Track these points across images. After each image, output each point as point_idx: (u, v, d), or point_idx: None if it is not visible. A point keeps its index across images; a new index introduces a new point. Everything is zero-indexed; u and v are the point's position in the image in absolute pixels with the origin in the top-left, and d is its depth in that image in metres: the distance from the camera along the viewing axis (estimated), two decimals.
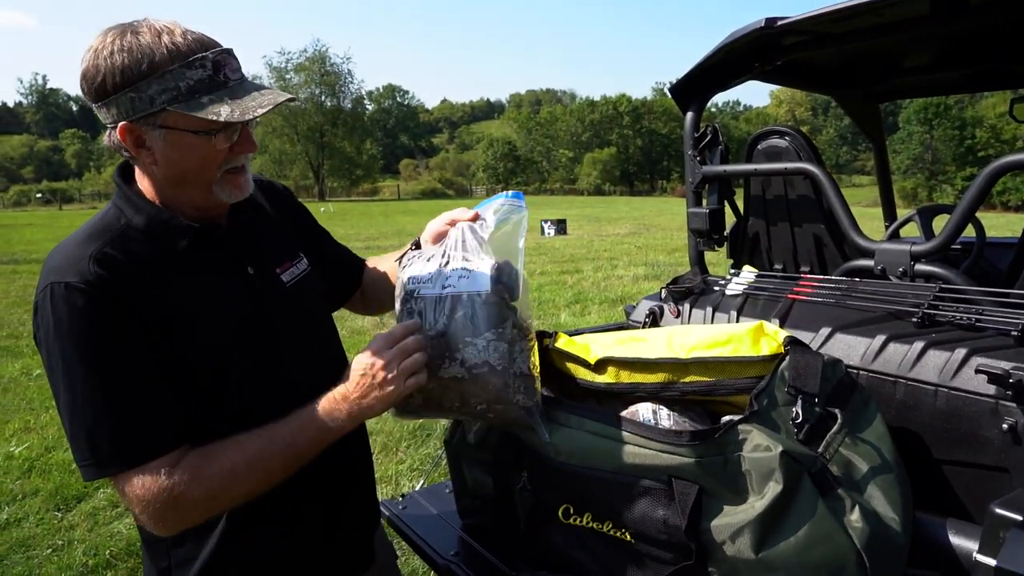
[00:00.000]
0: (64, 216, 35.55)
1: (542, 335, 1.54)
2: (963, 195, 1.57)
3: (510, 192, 1.22)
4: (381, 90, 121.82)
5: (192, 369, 1.06)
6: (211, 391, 1.08)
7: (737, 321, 1.82)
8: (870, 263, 1.74)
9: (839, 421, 1.14)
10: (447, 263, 1.17)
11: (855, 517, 1.06)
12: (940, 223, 1.85)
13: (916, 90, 2.82)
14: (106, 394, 0.99)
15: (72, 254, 1.03)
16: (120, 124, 1.02)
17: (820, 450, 1.12)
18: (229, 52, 1.06)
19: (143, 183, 1.12)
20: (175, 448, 1.02)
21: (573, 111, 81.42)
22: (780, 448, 1.06)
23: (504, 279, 1.15)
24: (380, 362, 1.07)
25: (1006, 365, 1.19)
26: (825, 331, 1.55)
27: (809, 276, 1.85)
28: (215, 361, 1.08)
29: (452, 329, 1.12)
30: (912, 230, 2.60)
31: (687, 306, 1.98)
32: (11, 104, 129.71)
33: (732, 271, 2.05)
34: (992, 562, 0.95)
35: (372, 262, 1.55)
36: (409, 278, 1.20)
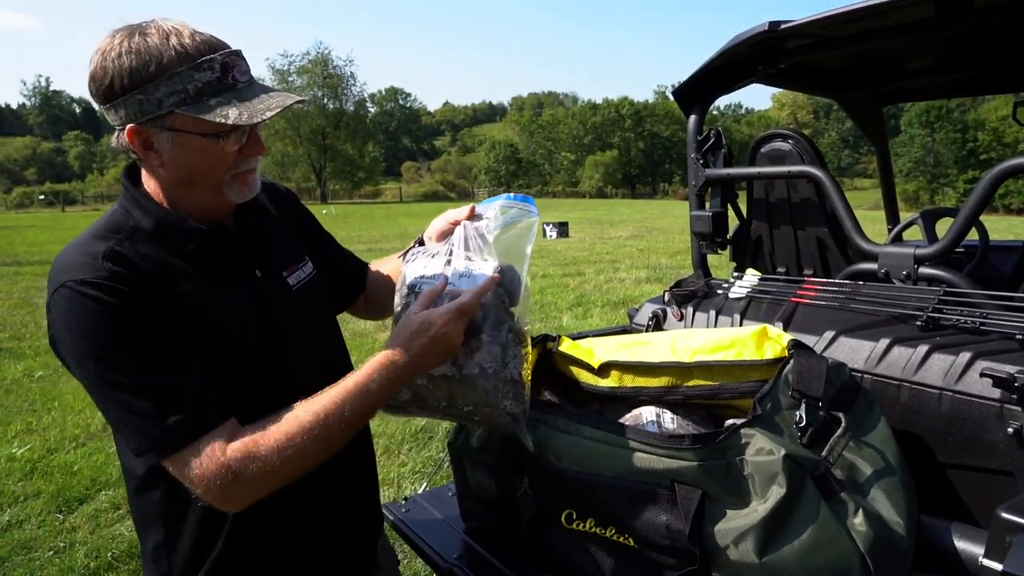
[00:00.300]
0: (67, 218, 35.62)
1: (546, 338, 1.54)
2: (966, 199, 1.56)
3: (515, 194, 1.22)
4: (383, 93, 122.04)
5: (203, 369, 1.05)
6: (228, 395, 1.07)
7: (741, 324, 1.82)
8: (874, 266, 1.74)
9: (843, 425, 1.14)
10: (449, 261, 1.17)
11: (859, 521, 1.05)
12: (943, 226, 1.85)
13: (919, 93, 2.82)
14: (140, 381, 0.98)
15: (82, 253, 1.02)
16: (128, 126, 1.02)
17: (824, 454, 1.12)
18: (237, 54, 1.06)
19: (150, 184, 1.12)
20: (222, 422, 1.01)
21: (575, 114, 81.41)
22: (783, 452, 1.06)
23: (505, 283, 1.14)
24: (440, 322, 1.07)
25: (1011, 369, 1.19)
26: (829, 334, 1.55)
27: (812, 279, 1.84)
28: (220, 364, 1.07)
29: None
30: (915, 233, 2.60)
31: (690, 309, 1.98)
32: (14, 106, 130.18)
33: (735, 274, 2.05)
34: (998, 567, 0.95)
35: (375, 265, 1.54)
36: (411, 272, 1.20)
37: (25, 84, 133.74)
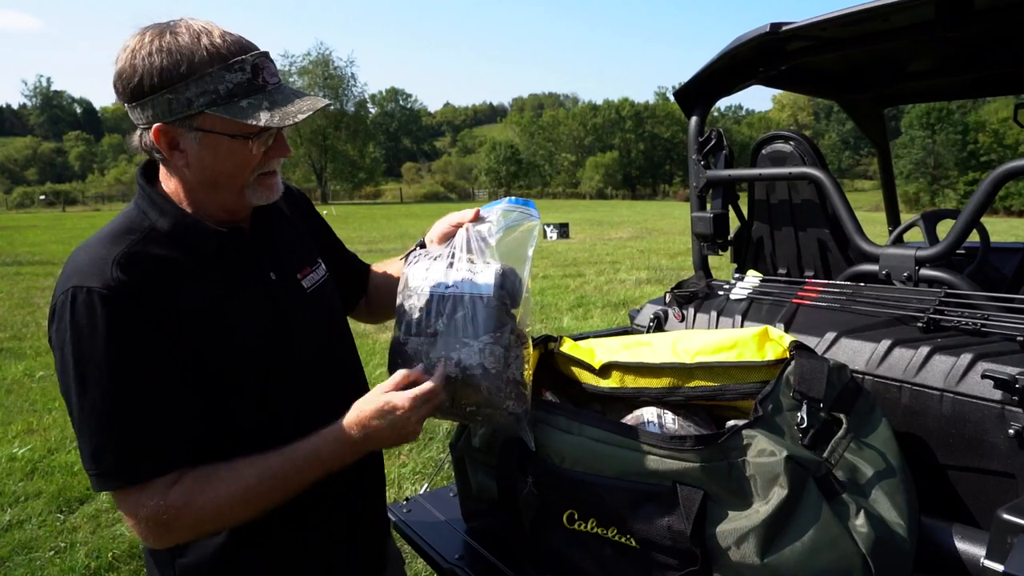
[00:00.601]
0: (67, 218, 35.64)
1: (547, 339, 1.54)
2: (967, 200, 1.57)
3: (516, 199, 1.22)
4: (384, 93, 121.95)
5: (210, 375, 1.05)
6: (229, 397, 1.08)
7: (742, 326, 1.82)
8: (875, 268, 1.74)
9: (844, 426, 1.14)
10: (452, 264, 1.17)
11: (860, 522, 1.05)
12: (944, 228, 1.85)
13: (920, 95, 2.82)
14: (115, 409, 0.98)
15: (96, 256, 1.02)
16: (155, 125, 1.01)
17: (825, 455, 1.12)
18: (266, 55, 1.05)
19: (169, 184, 1.11)
20: (176, 469, 1.02)
21: (575, 115, 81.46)
22: (785, 453, 1.06)
23: (507, 285, 1.15)
24: (402, 408, 1.07)
25: (1012, 370, 1.19)
26: (830, 336, 1.55)
27: (814, 281, 1.85)
28: (233, 367, 1.07)
29: (450, 329, 1.13)
30: (916, 235, 2.60)
31: (691, 310, 1.98)
32: (15, 106, 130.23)
33: (736, 275, 2.05)
34: (1000, 567, 0.95)
35: (376, 268, 1.54)
36: (413, 275, 1.20)
37: (26, 84, 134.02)
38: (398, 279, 1.24)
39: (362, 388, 1.35)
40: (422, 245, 1.30)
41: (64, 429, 4.51)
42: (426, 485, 1.84)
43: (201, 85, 0.98)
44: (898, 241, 2.60)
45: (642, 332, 2.04)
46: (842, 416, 1.16)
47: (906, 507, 1.12)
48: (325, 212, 31.22)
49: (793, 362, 1.21)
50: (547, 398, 1.53)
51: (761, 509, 1.06)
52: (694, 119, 2.16)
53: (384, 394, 1.09)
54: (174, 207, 1.09)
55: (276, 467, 1.05)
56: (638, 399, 1.40)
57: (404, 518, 1.68)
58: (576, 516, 1.25)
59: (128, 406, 0.98)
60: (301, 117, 1.01)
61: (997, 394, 1.22)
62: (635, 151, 75.61)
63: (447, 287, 1.15)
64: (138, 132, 1.05)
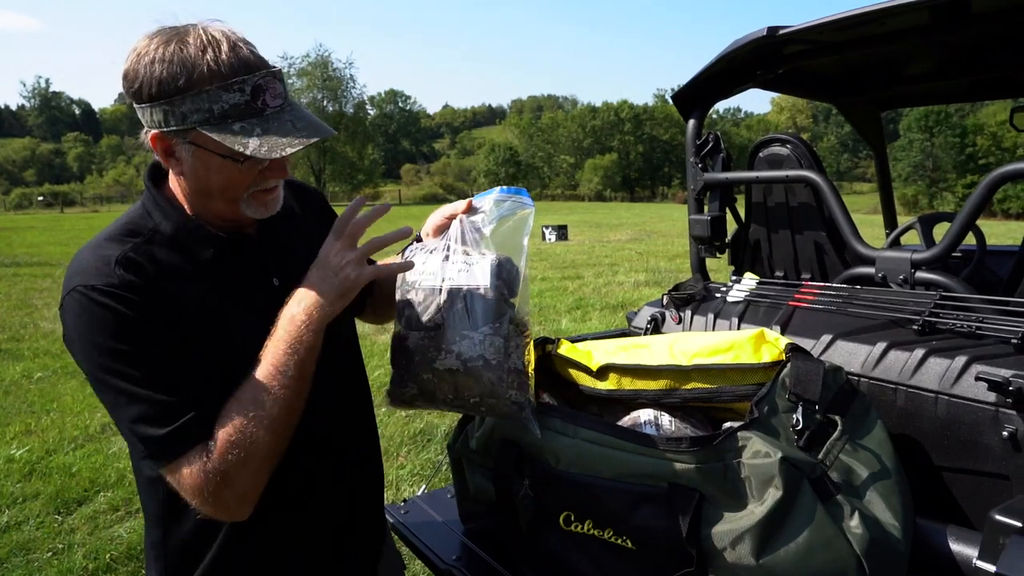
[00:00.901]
0: (66, 219, 35.58)
1: (544, 341, 1.55)
2: (964, 203, 1.57)
3: (509, 187, 1.23)
4: (383, 95, 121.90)
5: (203, 379, 1.05)
6: (224, 402, 1.07)
7: (738, 328, 1.83)
8: (871, 270, 1.75)
9: (839, 428, 1.15)
10: (447, 256, 1.17)
11: (855, 523, 1.06)
12: (941, 231, 1.86)
13: (917, 99, 2.83)
14: (143, 390, 0.98)
15: (98, 256, 1.02)
16: (151, 132, 1.02)
17: (820, 457, 1.13)
18: (274, 75, 1.02)
19: (174, 186, 1.12)
20: (209, 430, 1.01)
21: (574, 117, 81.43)
22: (780, 454, 1.06)
23: (504, 275, 1.15)
24: (334, 249, 1.07)
25: (1006, 373, 1.20)
26: (826, 338, 1.55)
27: (810, 283, 1.85)
28: (228, 372, 1.07)
29: (450, 321, 1.13)
30: (913, 238, 2.61)
31: (689, 313, 1.98)
32: (13, 107, 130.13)
33: (733, 278, 2.06)
34: (991, 568, 0.96)
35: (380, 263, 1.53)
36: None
37: (24, 85, 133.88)
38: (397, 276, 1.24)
39: (365, 393, 1.35)
40: (418, 239, 1.30)
41: (62, 430, 4.50)
42: (424, 486, 1.85)
43: (197, 102, 0.98)
44: (895, 244, 2.62)
45: (639, 334, 2.05)
46: (837, 418, 1.17)
47: (901, 508, 1.12)
48: None
49: (789, 364, 1.22)
50: (544, 400, 1.53)
51: (756, 510, 1.06)
52: (692, 122, 2.17)
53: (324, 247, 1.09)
54: (178, 211, 1.09)
55: (262, 365, 1.03)
56: (635, 401, 1.40)
57: (402, 519, 1.68)
58: (573, 518, 1.25)
59: (150, 385, 0.99)
60: (290, 151, 1.00)
61: (991, 396, 1.23)
62: (634, 153, 75.62)
63: (444, 280, 1.15)
64: (144, 130, 1.05)
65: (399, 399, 1.20)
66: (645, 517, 1.15)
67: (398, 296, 1.21)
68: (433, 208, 1.32)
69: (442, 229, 1.24)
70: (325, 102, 62.66)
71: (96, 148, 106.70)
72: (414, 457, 4.01)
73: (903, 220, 2.75)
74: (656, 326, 2.05)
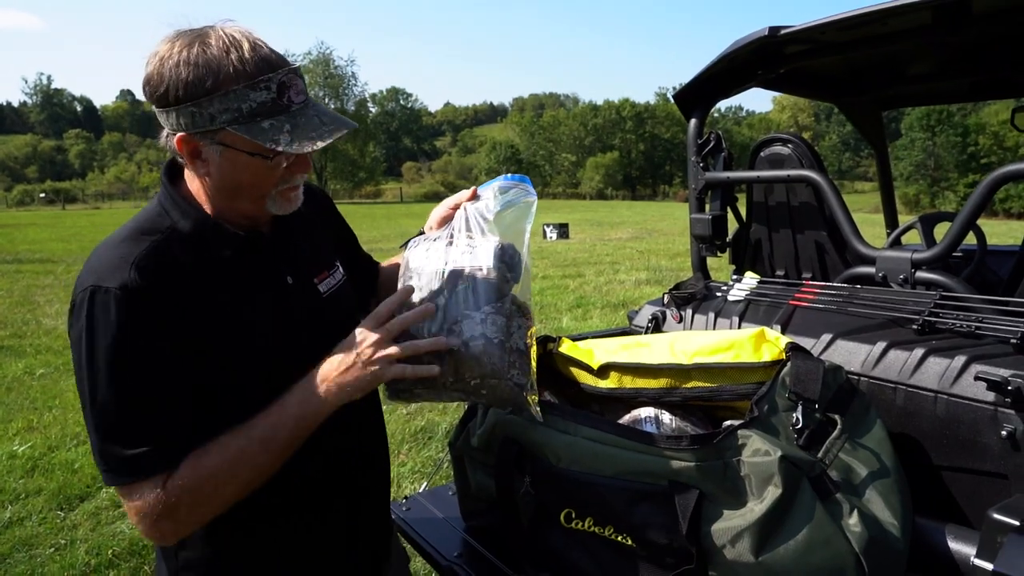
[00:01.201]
0: (67, 216, 35.63)
1: (546, 340, 1.55)
2: (965, 203, 1.58)
3: (512, 175, 1.23)
4: (385, 93, 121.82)
5: (220, 379, 1.06)
6: (237, 398, 1.08)
7: (739, 327, 1.84)
8: (871, 270, 1.75)
9: (839, 427, 1.16)
10: (451, 242, 1.18)
11: (854, 522, 1.07)
12: (942, 230, 1.87)
13: (918, 98, 2.83)
14: (125, 407, 0.99)
15: (116, 255, 1.03)
16: (178, 134, 1.02)
17: (820, 455, 1.14)
18: (295, 72, 1.04)
19: (192, 185, 1.12)
20: (175, 463, 1.02)
21: (576, 115, 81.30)
22: (779, 453, 1.07)
23: (507, 259, 1.16)
24: (367, 340, 1.06)
25: (1005, 372, 1.21)
26: (826, 337, 1.56)
27: (811, 283, 1.86)
28: (244, 371, 1.08)
29: (452, 302, 1.13)
30: (914, 237, 2.62)
31: (689, 311, 1.99)
32: (16, 104, 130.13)
33: (734, 277, 2.07)
34: (989, 566, 0.96)
35: (383, 264, 1.54)
36: (413, 257, 1.21)
37: (27, 82, 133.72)
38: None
39: (372, 393, 1.36)
40: (421, 234, 1.31)
41: (64, 427, 4.52)
42: (425, 483, 1.86)
43: (224, 102, 0.98)
44: (896, 243, 2.62)
45: (640, 333, 2.06)
46: (837, 417, 1.17)
47: (900, 507, 1.13)
48: None
49: (789, 363, 1.22)
50: (545, 398, 1.54)
51: (756, 508, 1.07)
52: (693, 121, 2.18)
53: (357, 330, 1.08)
54: (196, 209, 1.10)
55: (255, 429, 1.04)
56: (636, 399, 1.41)
57: (403, 516, 1.69)
58: (573, 515, 1.26)
59: (134, 405, 0.99)
60: (320, 144, 1.01)
61: (990, 396, 1.24)
62: (635, 152, 75.54)
63: (447, 263, 1.16)
64: (165, 133, 1.06)
65: (398, 389, 1.20)
66: (645, 515, 1.16)
67: (400, 285, 1.21)
68: (434, 205, 1.32)
69: (446, 220, 1.25)
70: (327, 100, 62.60)
71: (98, 145, 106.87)
72: (415, 455, 4.02)
73: (904, 219, 2.76)
74: (657, 325, 2.05)
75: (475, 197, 1.23)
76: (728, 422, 1.36)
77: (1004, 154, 45.08)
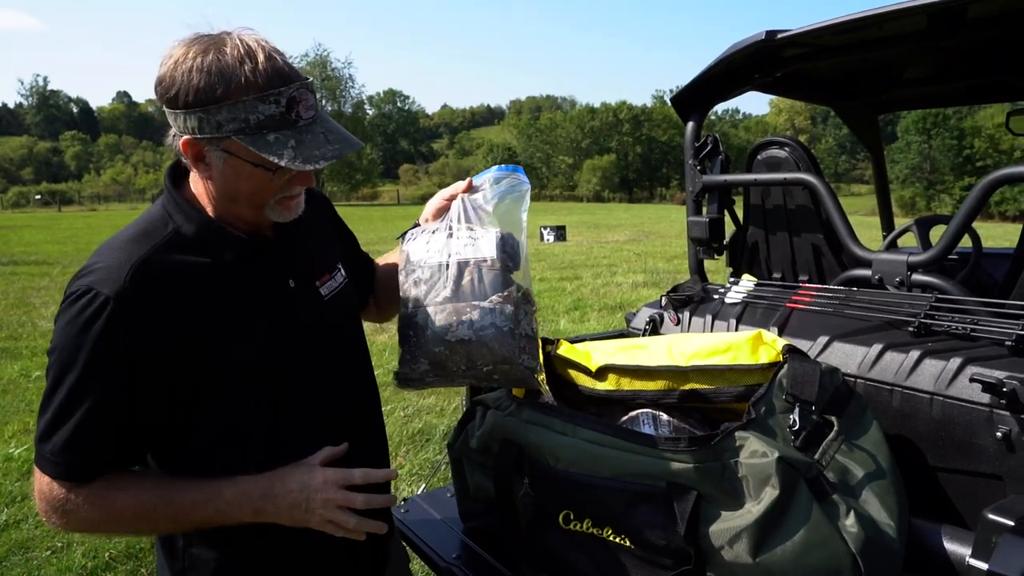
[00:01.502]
0: (63, 218, 35.54)
1: (544, 342, 1.56)
2: (960, 206, 1.59)
3: (506, 165, 1.24)
4: (382, 95, 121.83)
5: (220, 380, 1.07)
6: (237, 404, 1.09)
7: (736, 329, 1.84)
8: (867, 273, 1.76)
9: (836, 428, 1.16)
10: (451, 234, 1.19)
11: (850, 522, 1.07)
12: (937, 233, 1.88)
13: (914, 102, 2.85)
14: (70, 411, 1.01)
15: (116, 259, 1.03)
16: (184, 137, 1.03)
17: (816, 456, 1.14)
18: (307, 86, 1.04)
19: (197, 187, 1.13)
20: (92, 481, 1.05)
21: (573, 118, 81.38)
22: (777, 454, 1.08)
23: (508, 248, 1.18)
24: (324, 496, 1.07)
25: (1000, 374, 1.21)
26: (823, 339, 1.57)
27: (807, 285, 1.87)
28: (244, 374, 1.09)
29: (460, 294, 1.15)
30: (910, 240, 2.63)
31: (687, 314, 2.00)
32: (11, 105, 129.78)
33: (731, 279, 2.07)
34: (984, 566, 0.97)
35: (378, 261, 1.54)
36: (414, 250, 1.22)
37: (23, 83, 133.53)
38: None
39: (372, 393, 1.36)
40: (417, 226, 1.31)
41: None
42: (423, 485, 1.86)
43: (233, 112, 0.99)
44: (892, 246, 2.63)
45: (638, 335, 2.06)
46: (834, 419, 1.18)
47: (896, 508, 1.14)
48: None
49: (786, 365, 1.23)
50: (543, 400, 1.54)
51: (753, 509, 1.08)
52: (690, 124, 2.18)
53: (321, 474, 1.10)
54: (199, 212, 1.11)
55: (176, 497, 1.06)
56: (634, 401, 1.42)
57: (402, 518, 1.69)
58: (572, 516, 1.27)
59: (76, 415, 1.01)
60: (323, 164, 1.01)
61: (985, 398, 1.25)
62: (632, 154, 75.61)
63: (450, 256, 1.17)
64: (172, 133, 1.06)
65: (409, 378, 1.21)
66: (644, 516, 1.16)
67: (402, 279, 1.22)
68: None
69: (442, 211, 1.26)
70: (324, 102, 62.56)
71: (94, 147, 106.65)
72: (412, 457, 4.02)
73: (900, 222, 2.77)
74: (655, 327, 2.06)
75: (470, 188, 1.23)
76: (726, 424, 1.37)
77: (999, 157, 45.24)
